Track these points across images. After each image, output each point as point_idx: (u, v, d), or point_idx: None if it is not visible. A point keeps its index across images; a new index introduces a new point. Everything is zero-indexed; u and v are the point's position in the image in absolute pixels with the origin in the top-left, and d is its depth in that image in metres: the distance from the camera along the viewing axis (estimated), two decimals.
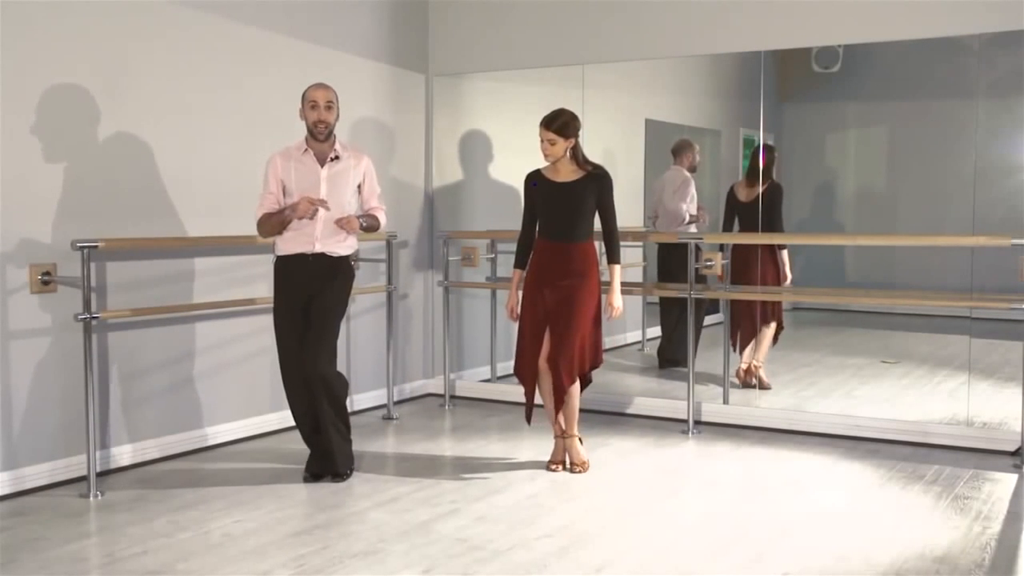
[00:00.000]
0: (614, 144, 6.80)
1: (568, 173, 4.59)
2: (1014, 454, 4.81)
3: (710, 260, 5.49)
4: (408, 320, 6.34)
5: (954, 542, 3.65)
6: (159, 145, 4.78)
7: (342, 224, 4.39)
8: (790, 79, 6.22)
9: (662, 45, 5.70)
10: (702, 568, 3.42)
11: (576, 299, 4.52)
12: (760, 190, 5.86)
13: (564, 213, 4.56)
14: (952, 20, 4.89)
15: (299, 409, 4.50)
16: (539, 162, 4.61)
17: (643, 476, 4.60)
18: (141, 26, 4.67)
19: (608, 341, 6.78)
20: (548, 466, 4.65)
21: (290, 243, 4.43)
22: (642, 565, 3.45)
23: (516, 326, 4.73)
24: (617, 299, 4.62)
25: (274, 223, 4.41)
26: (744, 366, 6.03)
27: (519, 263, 4.74)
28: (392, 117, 6.17)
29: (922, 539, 3.68)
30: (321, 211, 4.37)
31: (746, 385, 5.98)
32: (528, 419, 4.67)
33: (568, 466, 4.65)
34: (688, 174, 6.35)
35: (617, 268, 4.64)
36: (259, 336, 5.31)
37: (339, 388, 4.48)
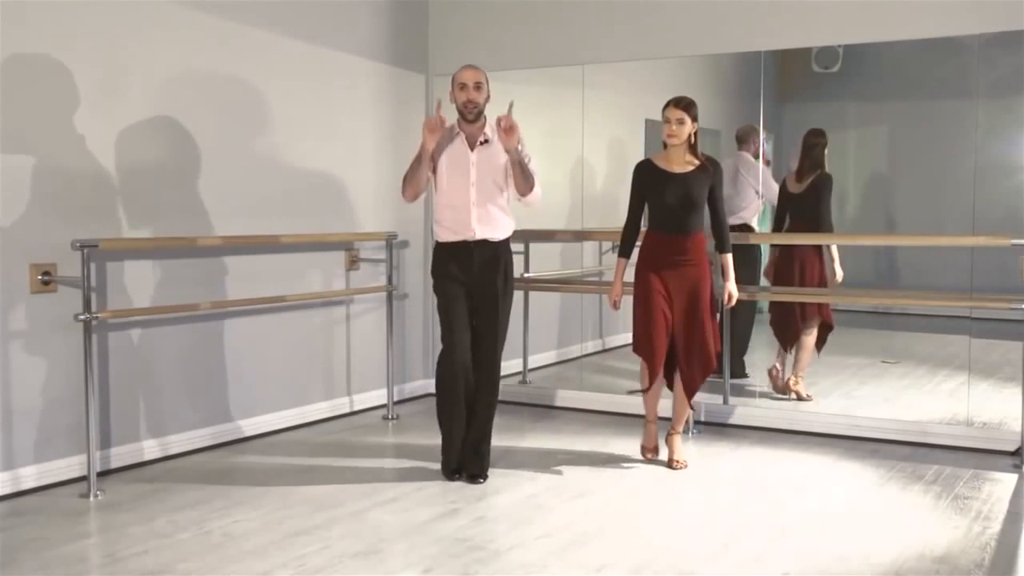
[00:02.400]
0: (614, 144, 6.80)
1: (682, 163, 4.57)
2: (1014, 454, 4.82)
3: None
4: (408, 320, 6.34)
5: (954, 542, 3.65)
6: (159, 145, 4.78)
7: (501, 120, 4.25)
8: (790, 79, 6.22)
9: (662, 45, 5.70)
10: (702, 568, 3.42)
11: (702, 293, 4.57)
12: (807, 181, 5.81)
13: (682, 204, 4.54)
14: (952, 20, 4.89)
15: (455, 398, 4.48)
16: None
17: (643, 476, 4.60)
18: (141, 25, 4.67)
19: (611, 341, 6.80)
20: (644, 454, 4.76)
21: (448, 232, 4.43)
22: (642, 565, 3.44)
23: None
24: (734, 286, 4.74)
25: (413, 167, 4.39)
26: (775, 368, 6.00)
27: (625, 252, 4.73)
28: (392, 117, 6.16)
29: (922, 539, 3.68)
30: (473, 196, 4.36)
31: (778, 391, 5.94)
32: (649, 384, 4.73)
33: (668, 463, 4.71)
34: (755, 160, 6.24)
35: (730, 257, 4.74)
36: (259, 336, 5.31)
37: (496, 392, 4.56)
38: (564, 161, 6.52)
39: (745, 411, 5.58)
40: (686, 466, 4.70)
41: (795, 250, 5.86)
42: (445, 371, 4.49)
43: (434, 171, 4.46)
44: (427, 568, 3.40)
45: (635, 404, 5.83)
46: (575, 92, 6.01)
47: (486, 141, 4.43)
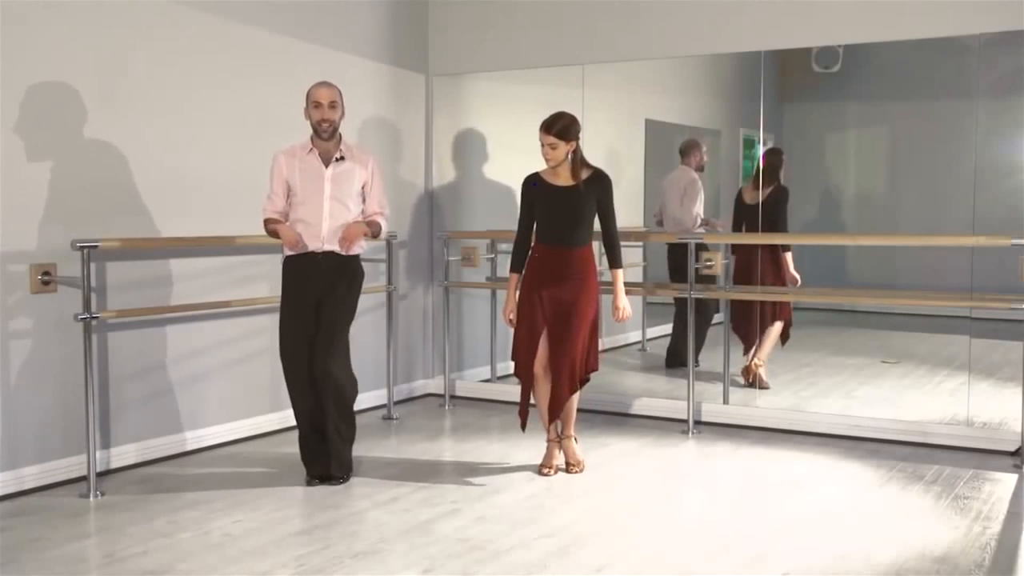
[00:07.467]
0: (614, 144, 6.80)
1: (568, 177, 4.53)
2: (1014, 454, 4.82)
3: (710, 260, 5.49)
4: (408, 320, 6.34)
5: (954, 542, 3.65)
6: (159, 145, 4.78)
7: (342, 239, 4.34)
8: (790, 79, 6.22)
9: (662, 45, 5.70)
10: (702, 568, 3.42)
11: (577, 305, 4.48)
12: (765, 193, 5.85)
13: (564, 218, 4.52)
14: (952, 20, 4.89)
15: (302, 410, 4.47)
16: (539, 163, 4.60)
17: (643, 476, 4.60)
18: (141, 26, 4.67)
19: (609, 341, 6.80)
20: (540, 470, 4.63)
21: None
22: (642, 565, 3.45)
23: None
24: (623, 301, 4.61)
25: (271, 232, 4.42)
26: (748, 364, 6.03)
27: (516, 267, 4.68)
28: (392, 117, 6.17)
29: (922, 539, 3.68)
30: (326, 210, 4.34)
31: (749, 384, 5.98)
32: (523, 425, 4.64)
33: (565, 466, 4.65)
34: (696, 175, 6.30)
35: (620, 272, 4.62)
36: (259, 336, 5.31)
37: (348, 391, 4.46)
38: None
39: (745, 411, 5.58)
40: (583, 468, 4.63)
41: (752, 255, 5.86)
42: (288, 389, 4.49)
43: (288, 191, 4.42)
44: (427, 568, 3.40)
45: (636, 404, 5.84)
46: (575, 92, 6.01)
47: (341, 158, 4.41)
